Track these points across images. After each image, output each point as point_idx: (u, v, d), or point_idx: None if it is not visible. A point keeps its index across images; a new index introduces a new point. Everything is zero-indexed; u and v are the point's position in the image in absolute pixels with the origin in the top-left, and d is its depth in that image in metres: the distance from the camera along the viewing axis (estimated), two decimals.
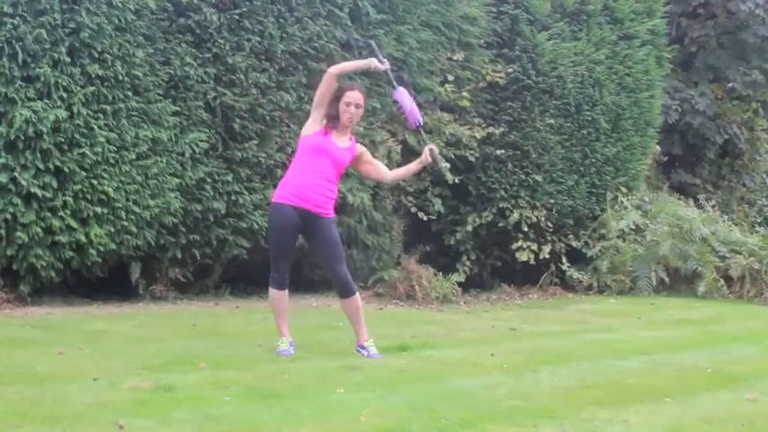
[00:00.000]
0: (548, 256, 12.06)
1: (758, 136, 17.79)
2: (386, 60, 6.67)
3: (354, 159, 6.59)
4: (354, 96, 6.42)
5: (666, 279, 12.36)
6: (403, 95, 6.73)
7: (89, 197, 8.22)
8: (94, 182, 8.23)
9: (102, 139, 8.24)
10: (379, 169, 6.86)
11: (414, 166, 6.84)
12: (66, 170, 8.06)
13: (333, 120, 6.41)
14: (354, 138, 6.67)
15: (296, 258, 6.83)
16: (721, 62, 16.73)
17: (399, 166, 10.72)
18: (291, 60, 9.56)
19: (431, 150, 6.66)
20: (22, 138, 7.80)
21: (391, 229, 10.93)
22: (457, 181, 11.25)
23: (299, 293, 9.34)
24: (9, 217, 7.84)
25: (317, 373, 5.68)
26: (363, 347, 6.50)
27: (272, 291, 6.53)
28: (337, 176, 6.48)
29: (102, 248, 8.38)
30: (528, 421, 4.63)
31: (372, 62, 6.62)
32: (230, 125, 9.22)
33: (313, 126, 6.44)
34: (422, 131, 6.95)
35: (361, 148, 6.69)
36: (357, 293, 6.59)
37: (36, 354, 5.93)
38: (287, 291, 6.56)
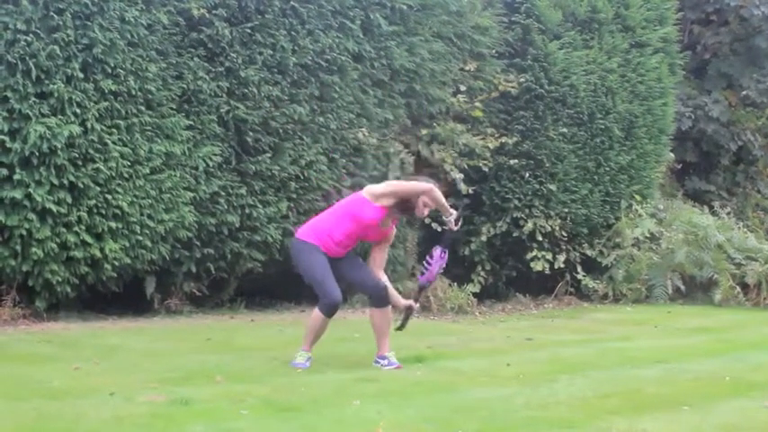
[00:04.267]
0: (562, 266, 12.03)
1: None
2: (456, 228, 6.53)
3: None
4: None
5: (682, 287, 12.31)
6: (438, 259, 6.56)
7: (103, 212, 8.24)
8: (109, 197, 8.26)
9: (116, 154, 8.27)
10: (378, 264, 6.57)
11: (398, 301, 6.61)
12: (81, 185, 8.09)
13: (403, 208, 6.36)
14: (396, 222, 6.60)
15: None
16: (734, 69, 16.70)
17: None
18: (304, 73, 9.57)
19: (409, 307, 6.62)
20: (37, 154, 7.83)
21: (405, 241, 10.91)
22: (471, 191, 11.23)
23: (313, 306, 9.32)
24: (24, 233, 7.87)
25: (334, 386, 5.67)
26: (384, 357, 6.46)
27: (320, 315, 6.36)
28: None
29: (116, 263, 8.40)
30: (545, 431, 4.61)
31: (451, 216, 6.43)
32: (243, 138, 9.24)
33: (378, 200, 6.29)
34: (422, 290, 6.91)
35: (392, 234, 6.60)
36: (390, 306, 6.54)
37: (52, 369, 5.94)
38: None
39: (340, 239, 6.32)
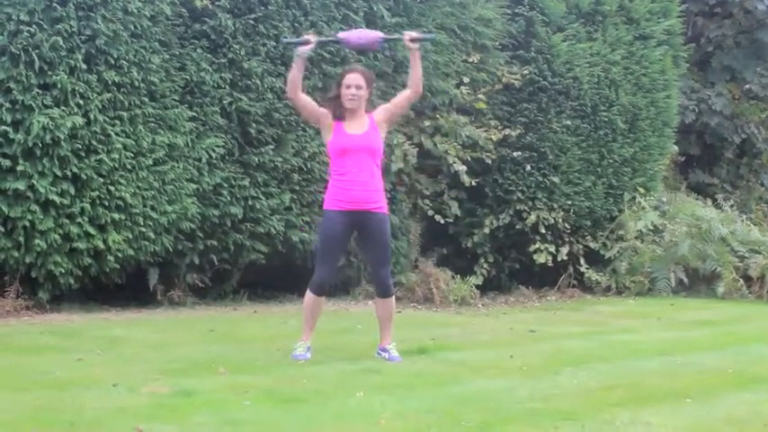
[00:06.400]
0: (566, 258, 12.01)
1: None
2: (310, 36, 6.61)
3: (385, 125, 6.51)
4: (353, 78, 6.35)
5: (685, 280, 12.29)
6: (347, 34, 6.64)
7: (106, 203, 8.24)
8: (112, 188, 8.25)
9: (119, 146, 8.27)
10: (403, 97, 6.69)
11: (414, 61, 6.58)
12: (84, 177, 8.08)
13: (336, 108, 6.36)
14: (370, 114, 6.48)
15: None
16: (738, 62, 16.69)
17: (415, 169, 10.79)
18: (307, 64, 9.51)
19: (408, 35, 6.60)
20: (40, 145, 7.83)
21: (408, 233, 10.91)
22: (474, 183, 11.22)
23: None
24: (27, 224, 7.87)
25: (337, 377, 5.67)
26: (385, 350, 6.47)
27: (309, 294, 6.45)
28: (376, 164, 6.39)
29: (119, 255, 8.40)
30: (548, 423, 4.61)
31: (300, 51, 6.49)
32: (246, 130, 9.24)
33: (325, 131, 6.44)
34: (389, 38, 6.89)
35: (379, 113, 6.51)
36: (393, 296, 6.60)
37: (55, 360, 5.95)
38: (324, 297, 6.55)
39: (349, 179, 6.28)
